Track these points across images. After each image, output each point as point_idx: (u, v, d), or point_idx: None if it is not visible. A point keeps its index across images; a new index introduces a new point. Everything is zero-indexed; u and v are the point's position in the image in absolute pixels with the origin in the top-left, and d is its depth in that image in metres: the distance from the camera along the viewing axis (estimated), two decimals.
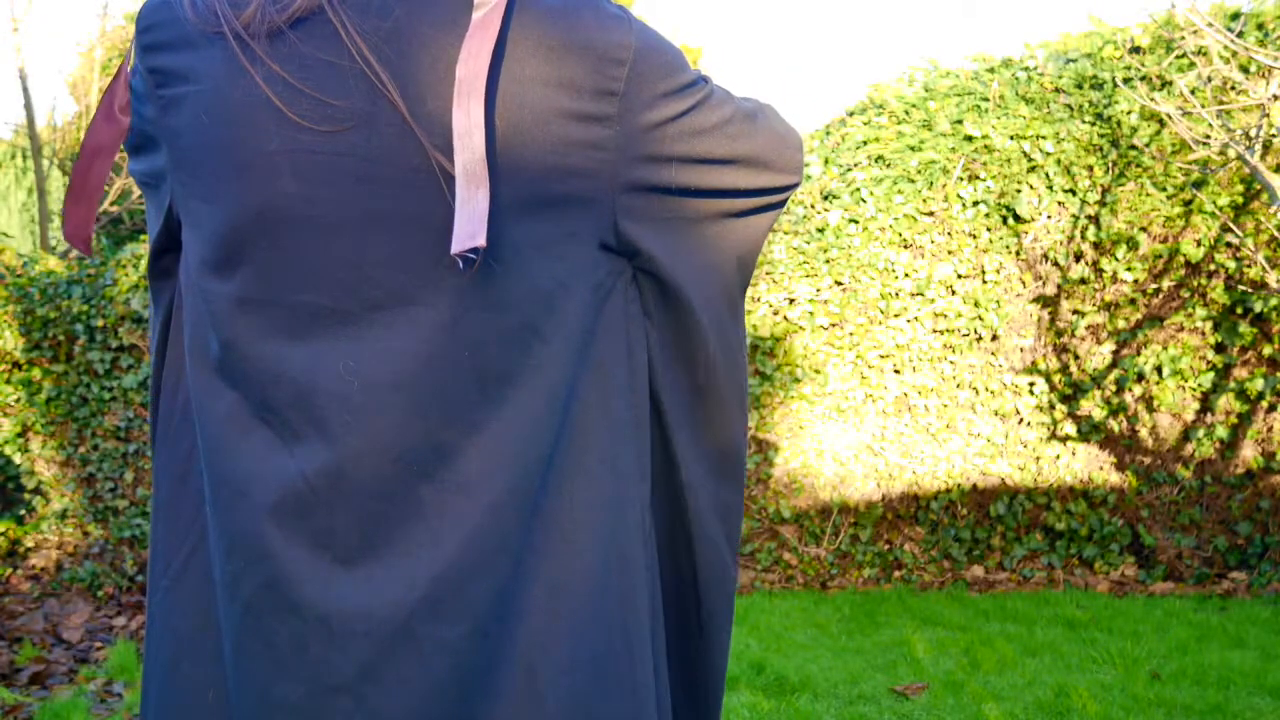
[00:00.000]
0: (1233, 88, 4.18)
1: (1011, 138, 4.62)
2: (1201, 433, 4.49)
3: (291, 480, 0.68)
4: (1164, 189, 4.46)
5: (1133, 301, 4.57)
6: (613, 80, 0.67)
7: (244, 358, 0.68)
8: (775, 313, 4.86)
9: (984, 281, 4.71)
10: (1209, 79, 3.99)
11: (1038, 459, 4.69)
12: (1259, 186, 4.23)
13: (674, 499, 0.81)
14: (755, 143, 0.79)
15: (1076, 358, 4.67)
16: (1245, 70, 4.11)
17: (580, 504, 0.71)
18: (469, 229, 0.60)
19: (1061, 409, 4.67)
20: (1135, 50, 4.52)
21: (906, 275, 4.73)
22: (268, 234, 0.66)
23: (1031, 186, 4.62)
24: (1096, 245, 4.58)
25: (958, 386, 4.76)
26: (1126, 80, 4.45)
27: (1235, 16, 4.35)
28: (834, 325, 4.81)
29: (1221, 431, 4.45)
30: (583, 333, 0.70)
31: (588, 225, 0.69)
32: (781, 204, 0.86)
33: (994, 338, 4.74)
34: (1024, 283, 4.70)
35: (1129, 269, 4.53)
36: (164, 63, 0.69)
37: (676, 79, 0.71)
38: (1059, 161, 4.57)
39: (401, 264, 0.65)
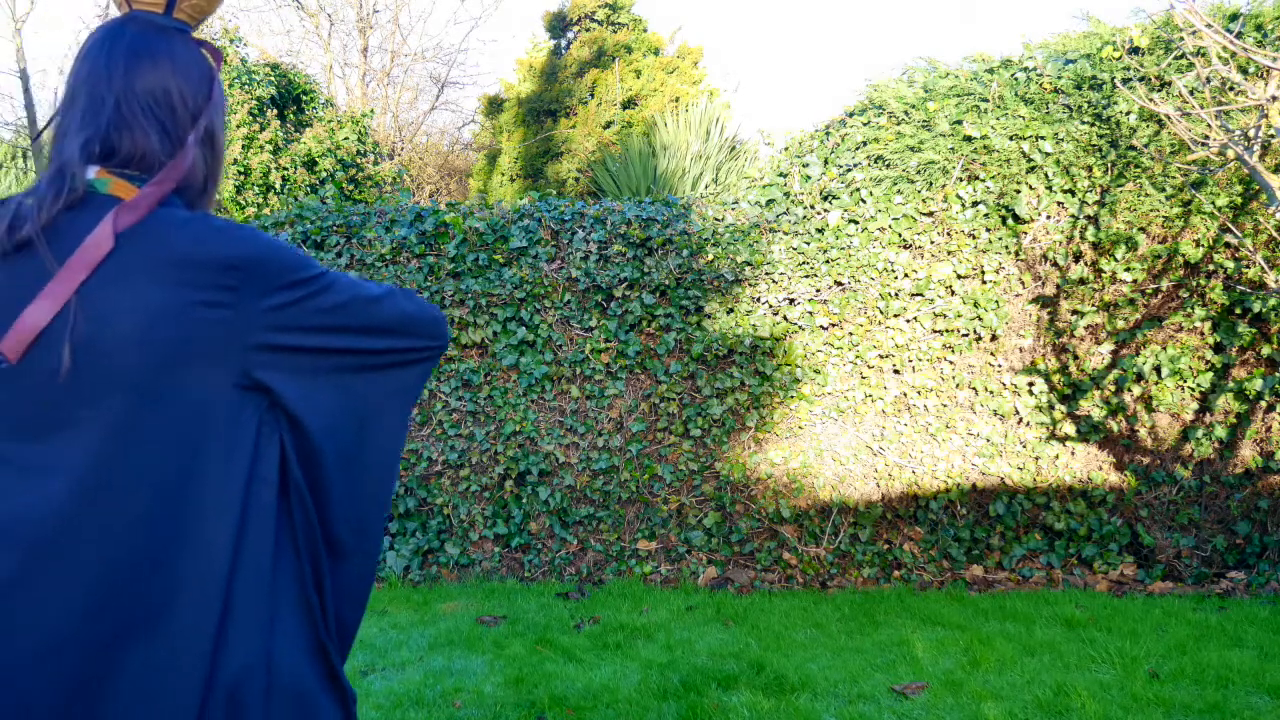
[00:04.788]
0: (1231, 88, 4.18)
1: (1011, 138, 4.63)
2: (1200, 432, 4.50)
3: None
4: (1163, 189, 4.46)
5: (1132, 302, 4.58)
6: (229, 279, 1.06)
7: None
8: (775, 313, 4.87)
9: (983, 282, 4.71)
10: (1208, 80, 4.00)
11: (1037, 459, 4.70)
12: (1257, 187, 4.24)
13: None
14: (377, 318, 1.19)
15: (1076, 358, 4.67)
16: (1244, 71, 4.12)
17: (206, 507, 1.07)
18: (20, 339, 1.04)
19: (1060, 409, 4.67)
20: (1134, 51, 4.53)
21: (906, 275, 4.74)
22: None
23: (1031, 187, 4.63)
24: (1095, 245, 4.59)
25: (957, 386, 4.77)
26: (1125, 81, 4.46)
27: (1234, 17, 4.36)
28: (834, 325, 4.82)
29: (1220, 431, 4.45)
30: (214, 439, 1.07)
31: (219, 374, 1.07)
32: (427, 360, 1.26)
33: (993, 338, 4.75)
34: (1023, 283, 4.71)
35: (1128, 269, 4.54)
36: None
37: (292, 276, 1.10)
38: (1058, 162, 4.58)
39: (74, 400, 1.04)
